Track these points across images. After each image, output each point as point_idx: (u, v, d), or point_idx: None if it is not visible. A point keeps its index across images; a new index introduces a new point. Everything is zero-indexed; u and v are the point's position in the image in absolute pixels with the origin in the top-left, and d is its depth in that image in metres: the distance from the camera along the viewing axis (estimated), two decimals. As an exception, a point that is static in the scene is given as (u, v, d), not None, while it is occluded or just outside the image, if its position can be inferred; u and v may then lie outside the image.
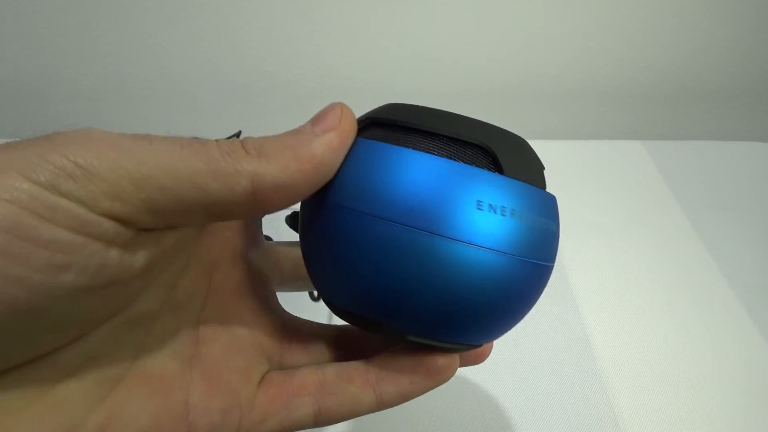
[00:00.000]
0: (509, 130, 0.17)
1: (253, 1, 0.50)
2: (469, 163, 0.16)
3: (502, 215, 0.15)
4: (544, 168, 0.18)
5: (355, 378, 0.17)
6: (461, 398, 0.32)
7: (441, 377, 0.17)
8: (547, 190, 0.17)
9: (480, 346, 0.18)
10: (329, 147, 0.15)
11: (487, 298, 0.16)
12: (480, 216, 0.15)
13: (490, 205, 0.15)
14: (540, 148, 0.18)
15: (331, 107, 0.16)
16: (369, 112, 0.18)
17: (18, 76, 0.53)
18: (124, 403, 0.15)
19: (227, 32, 0.52)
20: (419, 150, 0.16)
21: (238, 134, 0.51)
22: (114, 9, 0.50)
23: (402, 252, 0.15)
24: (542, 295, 0.17)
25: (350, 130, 0.16)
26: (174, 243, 0.16)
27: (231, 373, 0.17)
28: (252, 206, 0.15)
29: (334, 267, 0.17)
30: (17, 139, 0.13)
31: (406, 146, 0.16)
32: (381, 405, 0.17)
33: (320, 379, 0.18)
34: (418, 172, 0.15)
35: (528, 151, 0.17)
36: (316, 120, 0.15)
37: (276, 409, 0.17)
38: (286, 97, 0.56)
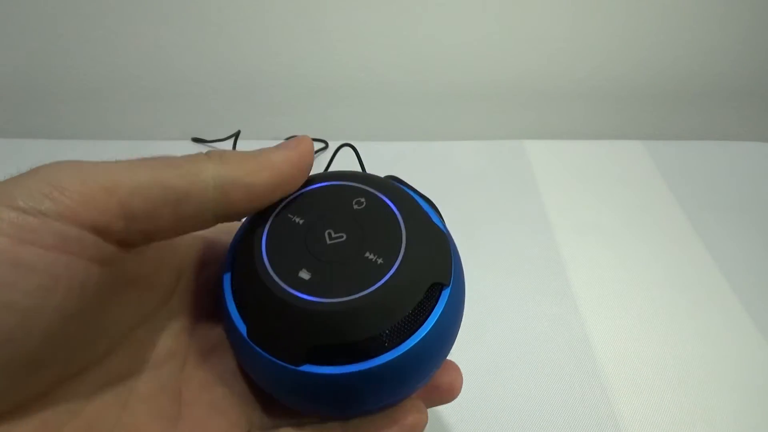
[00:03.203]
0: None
1: (254, 1, 0.50)
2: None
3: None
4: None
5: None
6: (461, 398, 0.32)
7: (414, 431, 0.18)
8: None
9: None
10: (286, 159, 0.17)
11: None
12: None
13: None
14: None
15: (294, 138, 0.18)
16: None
17: (18, 76, 0.53)
18: None
19: (227, 32, 0.52)
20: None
21: (237, 134, 0.51)
22: (114, 9, 0.50)
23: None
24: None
25: (307, 152, 0.17)
26: (151, 294, 0.17)
27: None
28: (217, 203, 0.15)
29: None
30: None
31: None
32: None
33: None
34: None
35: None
36: (278, 145, 0.17)
37: None
38: (287, 97, 0.56)
